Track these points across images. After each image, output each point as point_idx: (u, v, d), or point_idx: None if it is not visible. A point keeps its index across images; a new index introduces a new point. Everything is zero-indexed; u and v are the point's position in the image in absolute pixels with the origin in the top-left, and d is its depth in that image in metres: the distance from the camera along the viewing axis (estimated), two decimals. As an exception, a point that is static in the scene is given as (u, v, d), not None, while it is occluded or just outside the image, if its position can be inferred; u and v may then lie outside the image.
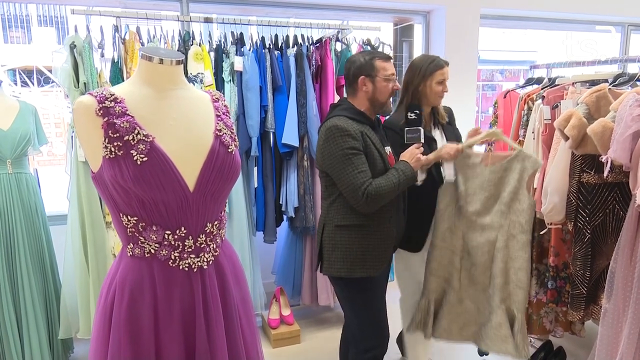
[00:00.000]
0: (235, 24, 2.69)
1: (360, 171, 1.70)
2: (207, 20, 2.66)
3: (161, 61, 1.15)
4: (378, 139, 1.82)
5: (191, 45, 2.50)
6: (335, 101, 2.14)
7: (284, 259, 2.92)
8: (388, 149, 1.90)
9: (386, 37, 3.33)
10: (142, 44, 2.42)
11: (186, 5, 2.97)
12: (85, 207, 2.28)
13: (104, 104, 1.07)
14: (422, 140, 1.90)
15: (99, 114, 1.06)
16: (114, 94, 1.09)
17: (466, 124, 2.71)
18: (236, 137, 1.25)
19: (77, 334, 2.37)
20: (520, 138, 2.28)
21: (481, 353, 2.56)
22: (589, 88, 2.05)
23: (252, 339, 1.28)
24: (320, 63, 2.76)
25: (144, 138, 1.06)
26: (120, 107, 1.08)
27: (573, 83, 2.16)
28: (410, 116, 1.92)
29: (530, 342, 2.62)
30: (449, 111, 2.22)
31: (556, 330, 2.36)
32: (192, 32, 2.60)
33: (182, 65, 1.20)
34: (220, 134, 1.18)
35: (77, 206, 2.29)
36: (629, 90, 1.84)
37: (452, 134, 2.17)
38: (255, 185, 2.69)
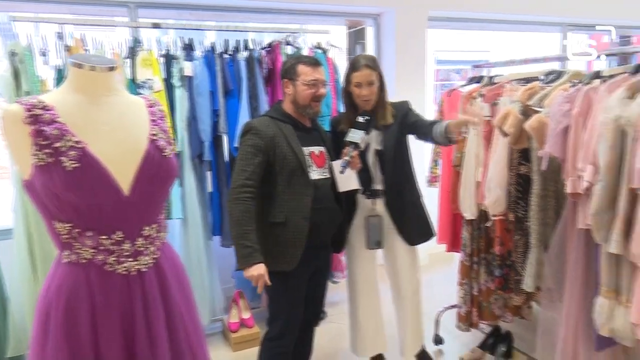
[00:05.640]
0: (185, 29, 2.68)
1: (243, 169, 1.75)
2: (155, 26, 2.65)
3: (93, 68, 1.15)
4: (297, 139, 1.86)
5: (139, 51, 2.48)
6: None
7: (242, 262, 2.92)
8: (319, 149, 1.94)
9: (341, 41, 3.40)
10: (87, 51, 2.38)
11: (134, 11, 2.94)
12: (31, 218, 2.21)
13: (32, 112, 1.07)
14: (361, 144, 1.88)
15: (27, 121, 1.06)
16: (43, 102, 1.09)
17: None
18: (172, 141, 1.26)
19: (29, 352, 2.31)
20: (464, 135, 2.37)
21: (437, 342, 2.66)
22: (524, 85, 2.17)
23: (197, 338, 1.29)
24: (271, 66, 2.79)
25: (75, 144, 1.07)
26: (49, 115, 1.08)
27: (510, 81, 2.27)
28: (359, 119, 1.91)
29: (481, 328, 2.72)
30: (398, 107, 2.10)
31: (505, 316, 2.47)
32: (140, 38, 2.58)
33: (116, 71, 1.20)
34: (155, 138, 1.20)
35: (22, 218, 2.22)
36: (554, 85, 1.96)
37: (392, 135, 2.05)
38: (210, 190, 2.69)
